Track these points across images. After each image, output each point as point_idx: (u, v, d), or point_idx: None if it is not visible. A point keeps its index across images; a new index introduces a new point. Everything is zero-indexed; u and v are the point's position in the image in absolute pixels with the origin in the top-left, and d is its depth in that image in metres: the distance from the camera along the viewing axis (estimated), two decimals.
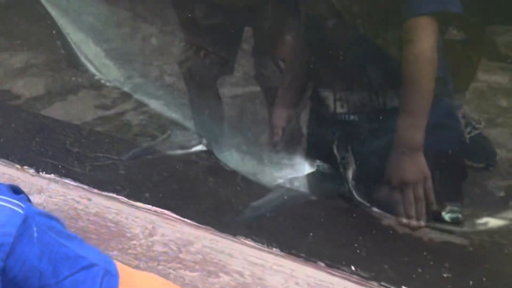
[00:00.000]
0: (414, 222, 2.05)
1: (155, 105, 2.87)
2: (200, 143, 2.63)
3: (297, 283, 1.89)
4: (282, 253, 2.00)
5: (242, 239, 2.07)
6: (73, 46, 2.97)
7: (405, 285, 1.84)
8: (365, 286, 1.87)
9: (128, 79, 2.91)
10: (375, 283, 1.87)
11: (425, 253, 1.96)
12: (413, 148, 2.06)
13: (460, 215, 2.01)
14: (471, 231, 2.05)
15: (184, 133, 2.69)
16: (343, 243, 2.02)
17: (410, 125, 2.08)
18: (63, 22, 2.97)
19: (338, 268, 1.92)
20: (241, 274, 1.92)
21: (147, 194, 2.30)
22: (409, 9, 2.05)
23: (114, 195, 2.31)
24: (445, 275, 1.86)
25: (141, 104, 2.99)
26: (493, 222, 2.05)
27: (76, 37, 2.98)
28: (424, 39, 2.05)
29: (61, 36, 2.97)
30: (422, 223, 2.06)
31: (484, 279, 1.84)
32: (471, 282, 1.83)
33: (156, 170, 2.49)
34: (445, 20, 2.10)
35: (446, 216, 2.02)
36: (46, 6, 2.99)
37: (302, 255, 1.98)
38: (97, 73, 2.94)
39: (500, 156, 2.26)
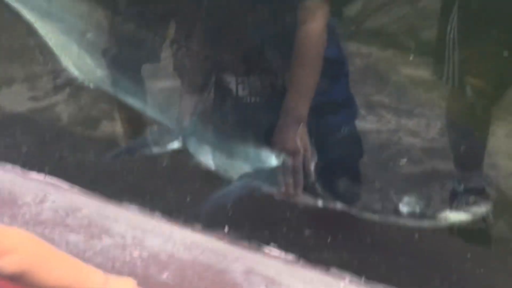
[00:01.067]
0: (287, 189, 2.21)
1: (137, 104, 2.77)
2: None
3: (174, 244, 2.03)
4: (162, 218, 2.14)
5: (127, 206, 2.21)
6: (54, 50, 2.89)
7: (273, 242, 2.00)
8: (237, 245, 2.02)
9: (110, 78, 2.80)
10: (246, 242, 2.03)
11: (292, 216, 2.14)
12: (296, 121, 2.18)
13: (417, 207, 2.09)
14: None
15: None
16: (218, 207, 2.18)
17: (295, 99, 2.21)
18: (42, 27, 2.89)
19: (212, 230, 2.07)
20: (122, 236, 2.05)
21: (41, 165, 2.41)
22: None
23: (10, 167, 2.41)
24: (307, 233, 2.05)
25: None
26: None
27: (58, 41, 2.90)
28: (314, 21, 2.20)
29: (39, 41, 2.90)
30: (297, 191, 2.21)
31: (340, 236, 2.03)
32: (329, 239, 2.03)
33: (53, 143, 2.60)
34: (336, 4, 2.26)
35: (404, 208, 2.09)
36: (21, 10, 2.87)
37: (181, 219, 2.13)
38: (80, 76, 2.86)
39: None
